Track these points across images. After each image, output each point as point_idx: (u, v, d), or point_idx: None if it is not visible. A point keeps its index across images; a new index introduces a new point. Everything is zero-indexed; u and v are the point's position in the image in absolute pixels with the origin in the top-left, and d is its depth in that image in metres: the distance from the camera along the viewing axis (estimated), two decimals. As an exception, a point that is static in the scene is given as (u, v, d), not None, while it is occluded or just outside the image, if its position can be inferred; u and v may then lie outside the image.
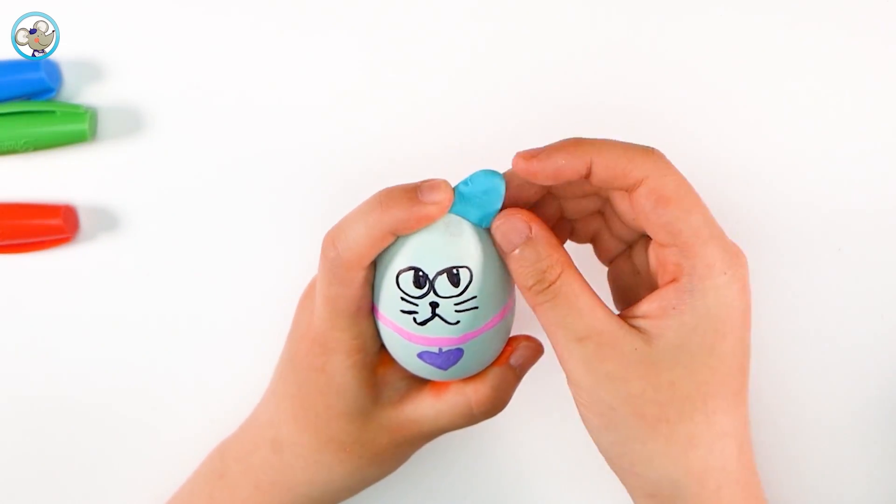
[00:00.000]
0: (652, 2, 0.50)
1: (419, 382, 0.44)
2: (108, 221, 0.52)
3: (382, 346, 0.43)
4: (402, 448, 0.44)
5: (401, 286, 0.40)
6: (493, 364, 0.43)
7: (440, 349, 0.41)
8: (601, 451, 0.41)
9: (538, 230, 0.39)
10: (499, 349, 0.43)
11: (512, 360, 0.43)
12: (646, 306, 0.39)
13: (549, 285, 0.39)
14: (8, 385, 0.52)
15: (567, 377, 0.39)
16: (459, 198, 0.39)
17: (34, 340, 0.52)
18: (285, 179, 0.51)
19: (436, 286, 0.39)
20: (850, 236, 0.50)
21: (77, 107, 0.50)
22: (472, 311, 0.40)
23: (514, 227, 0.39)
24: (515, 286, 0.41)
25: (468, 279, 0.39)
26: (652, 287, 0.40)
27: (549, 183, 0.39)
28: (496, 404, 0.43)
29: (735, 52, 0.50)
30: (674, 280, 0.38)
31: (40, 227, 0.50)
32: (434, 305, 0.39)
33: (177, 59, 0.51)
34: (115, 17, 0.51)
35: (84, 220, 0.51)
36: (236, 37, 0.51)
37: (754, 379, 0.50)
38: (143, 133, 0.51)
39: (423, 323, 0.40)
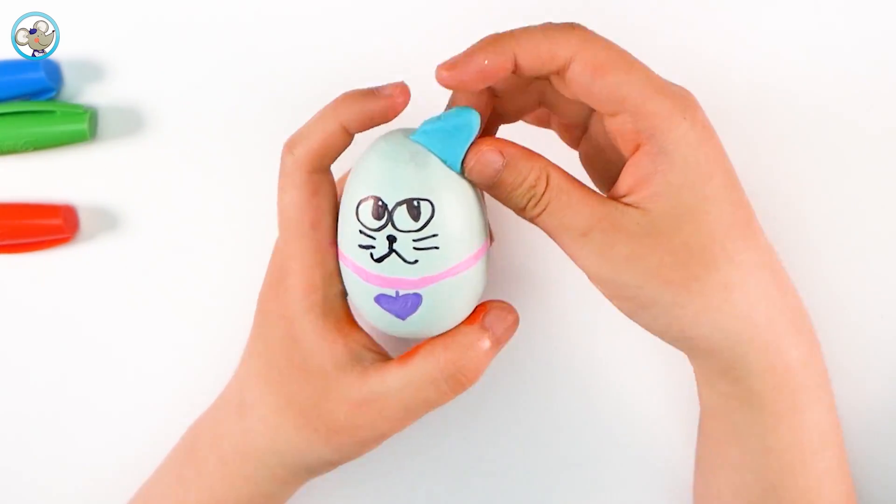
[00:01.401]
0: None
1: (386, 357, 0.42)
2: (108, 221, 0.52)
3: (345, 304, 0.42)
4: (362, 431, 0.41)
5: (360, 217, 0.38)
6: (463, 323, 0.41)
7: (397, 292, 0.39)
8: (647, 329, 0.40)
9: (510, 152, 0.39)
10: (463, 306, 0.40)
11: (485, 321, 0.41)
12: (627, 182, 0.38)
13: (541, 198, 0.38)
14: (7, 384, 0.52)
15: (587, 275, 0.39)
16: (431, 132, 0.39)
17: (34, 340, 0.52)
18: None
19: (394, 218, 0.38)
20: (850, 236, 0.50)
21: (77, 107, 0.50)
22: (431, 250, 0.38)
23: (487, 160, 0.38)
24: (488, 242, 0.40)
25: (429, 214, 0.38)
26: (622, 159, 0.40)
27: (478, 87, 0.38)
28: (467, 368, 0.40)
29: (730, 47, 0.50)
30: (638, 146, 0.38)
31: (40, 227, 0.50)
32: (391, 239, 0.38)
33: (177, 59, 0.51)
34: (115, 17, 0.51)
35: (84, 220, 0.51)
36: (236, 37, 0.51)
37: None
38: (143, 133, 0.51)
39: (380, 259, 0.38)
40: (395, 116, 0.39)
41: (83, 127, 0.49)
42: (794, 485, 0.42)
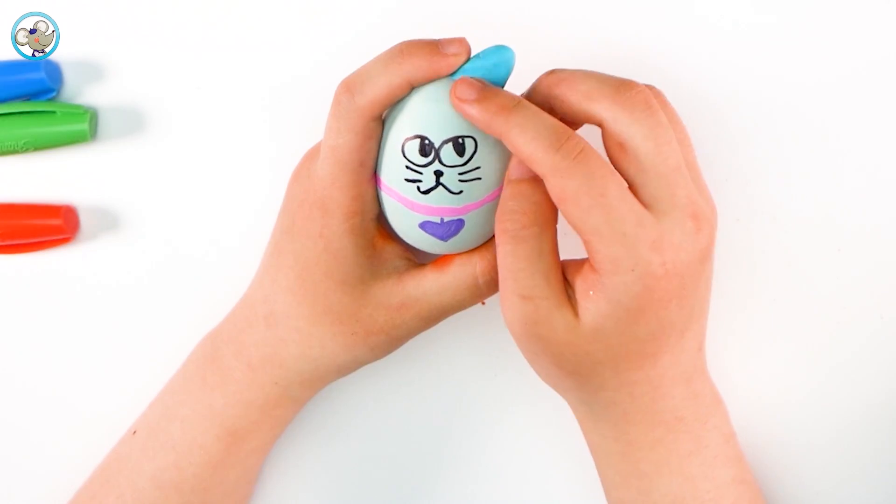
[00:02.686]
0: None
1: (420, 262, 0.45)
2: (108, 221, 0.52)
3: (381, 220, 0.44)
4: (398, 330, 0.45)
5: (406, 154, 0.41)
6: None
7: (442, 219, 0.42)
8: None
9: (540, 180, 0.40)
10: None
11: None
12: (577, 280, 0.40)
13: (521, 228, 0.40)
14: (8, 384, 0.52)
15: (503, 316, 0.41)
16: (471, 70, 0.41)
17: (34, 340, 0.52)
18: (286, 179, 0.51)
19: (441, 155, 0.40)
20: (850, 236, 0.50)
21: (77, 107, 0.50)
22: (475, 181, 0.41)
23: (522, 167, 0.40)
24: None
25: (473, 149, 0.41)
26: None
27: None
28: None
29: (726, 51, 0.50)
30: (590, 265, 0.40)
31: (40, 227, 0.50)
32: (438, 174, 0.41)
33: (177, 59, 0.51)
34: (115, 17, 0.51)
35: (84, 220, 0.51)
36: (236, 36, 0.51)
37: (753, 380, 0.50)
38: (143, 133, 0.51)
39: (427, 192, 0.41)
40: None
41: (83, 127, 0.49)
42: None
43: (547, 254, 0.40)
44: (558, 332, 0.40)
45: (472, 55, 0.41)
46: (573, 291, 0.40)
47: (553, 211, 0.40)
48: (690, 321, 0.42)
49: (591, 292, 0.39)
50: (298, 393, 0.47)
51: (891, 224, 0.50)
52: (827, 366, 0.50)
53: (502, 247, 0.40)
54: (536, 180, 0.40)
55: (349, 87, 0.41)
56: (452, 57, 0.40)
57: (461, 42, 0.41)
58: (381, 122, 0.42)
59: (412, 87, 0.41)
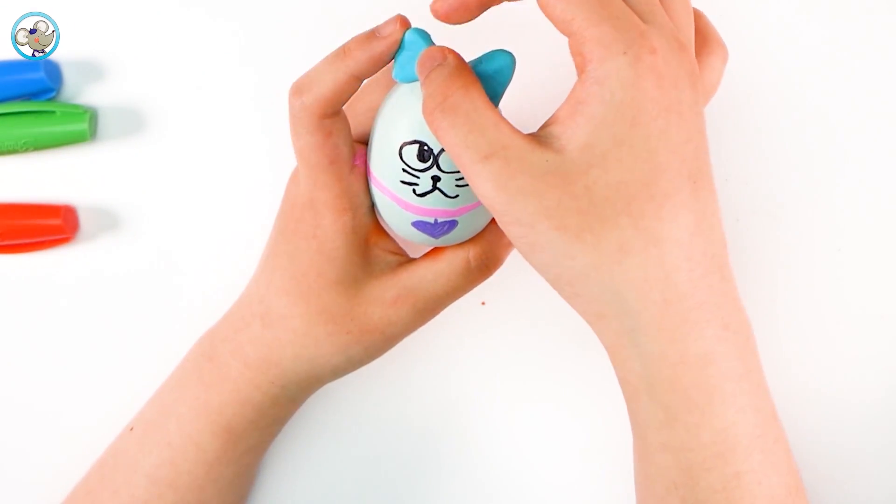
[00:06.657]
0: None
1: (409, 258, 0.45)
2: (108, 221, 0.52)
3: (373, 216, 0.44)
4: (392, 328, 0.45)
5: (404, 158, 0.40)
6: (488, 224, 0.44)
7: (435, 220, 0.42)
8: (543, 277, 0.38)
9: (453, 58, 0.38)
10: (487, 222, 0.44)
11: None
12: (559, 111, 0.36)
13: (445, 98, 0.36)
14: (7, 384, 0.52)
15: (482, 199, 0.37)
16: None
17: (34, 340, 0.52)
18: (285, 180, 0.51)
19: (440, 161, 0.40)
20: (850, 236, 0.50)
21: (77, 107, 0.50)
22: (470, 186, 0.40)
23: (431, 55, 0.38)
24: None
25: None
26: None
27: (473, 14, 0.39)
28: (492, 258, 0.44)
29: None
30: (571, 98, 0.36)
31: (40, 227, 0.50)
32: (436, 179, 0.40)
33: (177, 59, 0.51)
34: (115, 17, 0.51)
35: (84, 220, 0.51)
36: (236, 37, 0.51)
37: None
38: (143, 133, 0.51)
39: (423, 195, 0.41)
40: None
41: (83, 127, 0.49)
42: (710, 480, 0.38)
43: (488, 109, 0.36)
44: (543, 174, 0.35)
45: (474, 58, 0.40)
46: (556, 126, 0.36)
47: (474, 77, 0.37)
48: (699, 172, 0.36)
49: (579, 103, 0.35)
50: (294, 393, 0.47)
51: (891, 224, 0.50)
52: (827, 366, 0.50)
53: (441, 131, 0.37)
54: (443, 65, 0.37)
55: (297, 89, 0.41)
56: (387, 38, 0.40)
57: (395, 20, 0.40)
58: (337, 118, 0.41)
59: (360, 82, 0.41)
